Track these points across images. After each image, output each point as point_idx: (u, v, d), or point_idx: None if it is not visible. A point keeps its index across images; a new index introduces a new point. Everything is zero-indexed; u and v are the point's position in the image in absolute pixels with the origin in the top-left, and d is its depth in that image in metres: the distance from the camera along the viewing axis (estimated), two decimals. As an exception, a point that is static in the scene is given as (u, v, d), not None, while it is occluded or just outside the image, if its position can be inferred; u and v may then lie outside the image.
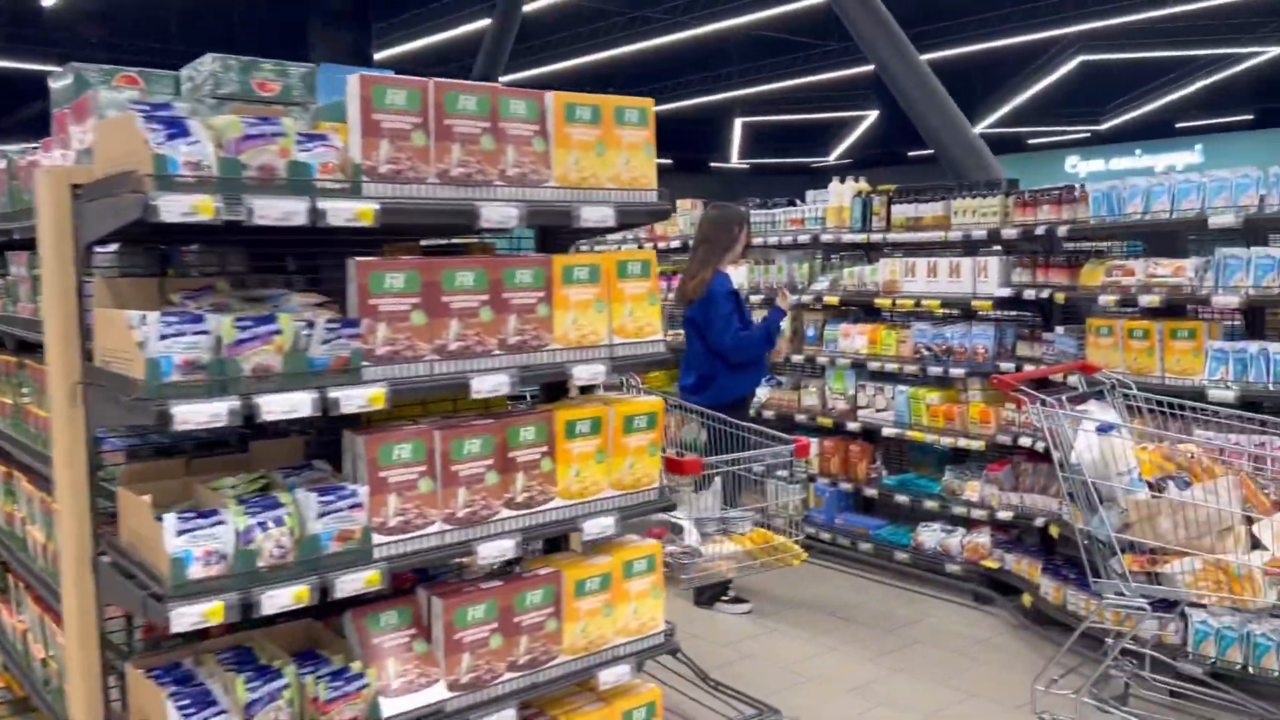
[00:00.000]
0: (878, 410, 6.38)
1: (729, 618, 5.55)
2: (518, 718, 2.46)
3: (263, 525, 2.13)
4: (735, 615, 5.57)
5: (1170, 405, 4.16)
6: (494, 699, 2.46)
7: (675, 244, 7.87)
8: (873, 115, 24.59)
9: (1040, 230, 5.43)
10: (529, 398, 3.27)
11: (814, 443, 6.74)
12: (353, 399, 2.16)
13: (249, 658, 2.37)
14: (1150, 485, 3.65)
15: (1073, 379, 4.65)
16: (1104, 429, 3.66)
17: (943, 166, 8.18)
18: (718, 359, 5.41)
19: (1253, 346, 4.25)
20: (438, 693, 2.39)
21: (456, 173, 2.33)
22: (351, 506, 2.22)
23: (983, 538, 5.77)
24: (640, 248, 8.26)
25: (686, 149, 28.75)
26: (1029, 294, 5.47)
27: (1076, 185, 5.34)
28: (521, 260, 2.47)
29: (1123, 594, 3.65)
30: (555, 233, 2.93)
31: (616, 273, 2.65)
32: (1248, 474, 3.70)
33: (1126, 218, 4.78)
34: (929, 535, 6.03)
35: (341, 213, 2.13)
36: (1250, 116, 22.06)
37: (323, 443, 2.60)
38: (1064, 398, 3.97)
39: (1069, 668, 4.41)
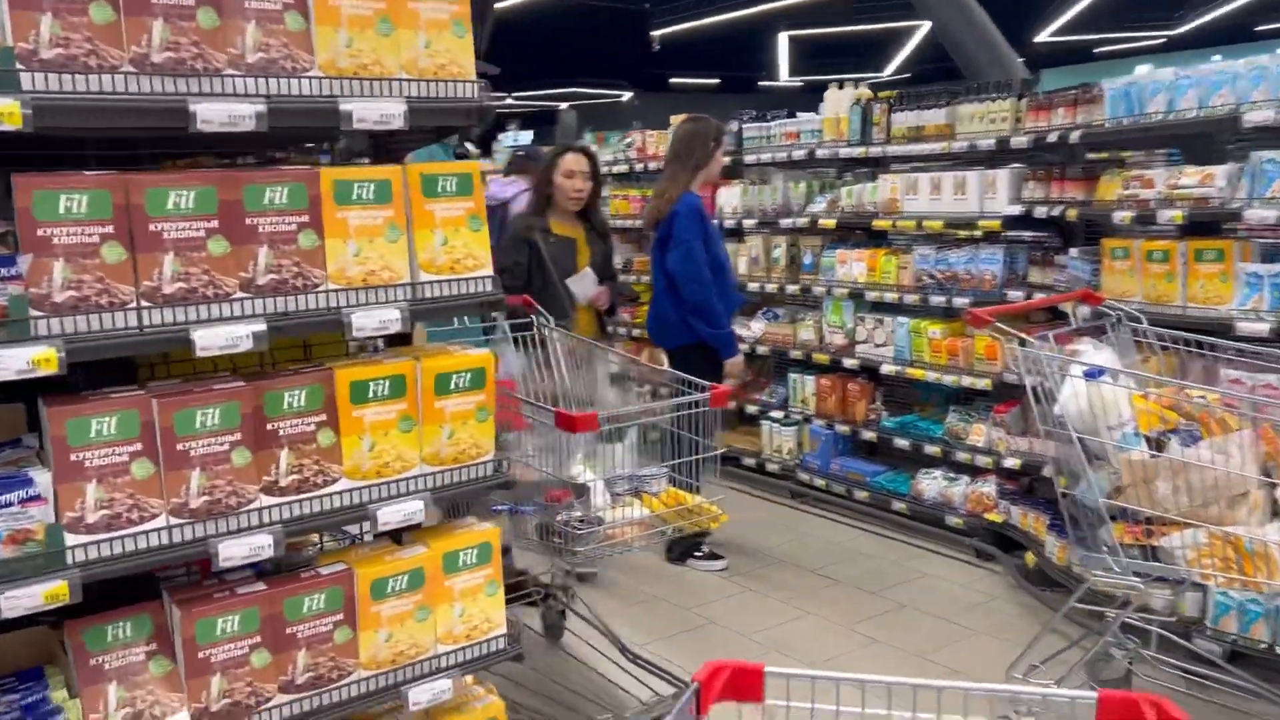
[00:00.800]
0: (877, 345, 5.74)
1: (701, 575, 5.03)
2: (289, 752, 1.97)
3: (-103, 528, 1.65)
4: (708, 572, 5.05)
5: (1189, 341, 3.48)
6: (259, 729, 1.97)
7: (668, 164, 7.21)
8: (926, 25, 23.21)
9: (1052, 137, 4.69)
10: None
11: (810, 381, 6.14)
12: (8, 363, 1.64)
13: (-54, 681, 1.91)
14: (1149, 441, 3.01)
15: (1083, 311, 3.98)
16: (1092, 374, 3.01)
17: (960, 69, 7.34)
18: (678, 293, 4.81)
19: (1292, 269, 3.54)
20: (177, 725, 1.90)
21: (161, 59, 1.76)
22: (26, 500, 1.72)
23: (988, 487, 5.15)
24: (632, 170, 7.61)
25: (733, 68, 27.55)
26: (1041, 211, 4.76)
27: (1096, 84, 4.57)
28: (271, 174, 1.90)
29: (1112, 570, 3.04)
30: (385, 142, 2.36)
31: (421, 189, 2.08)
32: (1274, 427, 3.03)
33: (1147, 118, 4.03)
34: (930, 484, 5.42)
35: (-31, 113, 1.59)
36: (1339, 15, 20.27)
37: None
38: (1053, 335, 3.32)
39: (1071, 640, 3.83)
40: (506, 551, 4.17)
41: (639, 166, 7.44)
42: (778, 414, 6.30)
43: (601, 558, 3.39)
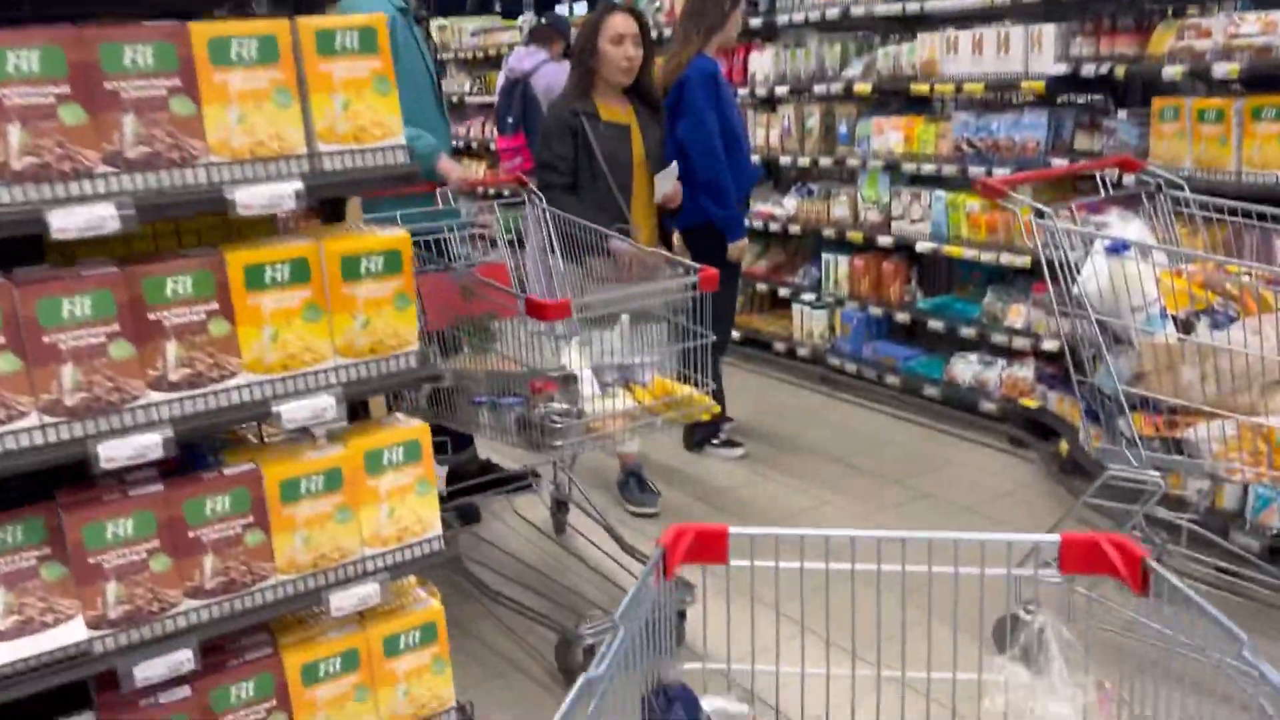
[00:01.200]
0: (913, 221, 5.40)
1: (718, 463, 4.88)
2: (196, 658, 1.86)
3: None
4: (727, 460, 4.89)
5: (1237, 211, 3.12)
6: (165, 636, 1.86)
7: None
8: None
9: (1103, -16, 4.23)
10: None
11: (843, 261, 5.83)
12: None
13: None
14: (1176, 322, 2.71)
15: (1128, 179, 3.61)
16: (1115, 248, 2.70)
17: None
18: (688, 167, 4.49)
19: (1360, 126, 3.13)
20: (72, 633, 1.80)
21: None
22: (-128, 399, 1.58)
23: (1025, 371, 4.87)
24: (661, 37, 7.16)
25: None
26: (1089, 70, 4.33)
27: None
28: (131, 31, 1.68)
29: (1130, 463, 2.78)
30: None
31: (316, 47, 1.84)
32: (1323, 305, 2.70)
33: (1204, -45, 3.57)
34: (964, 368, 5.14)
35: None
36: None
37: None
38: (1076, 205, 3.00)
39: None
40: (469, 443, 4.04)
41: (668, 31, 7.01)
42: (809, 296, 6.02)
43: (582, 452, 3.22)
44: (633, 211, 4.10)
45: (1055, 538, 1.38)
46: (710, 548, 1.43)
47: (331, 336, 1.94)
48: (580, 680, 1.12)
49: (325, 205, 2.33)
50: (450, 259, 3.79)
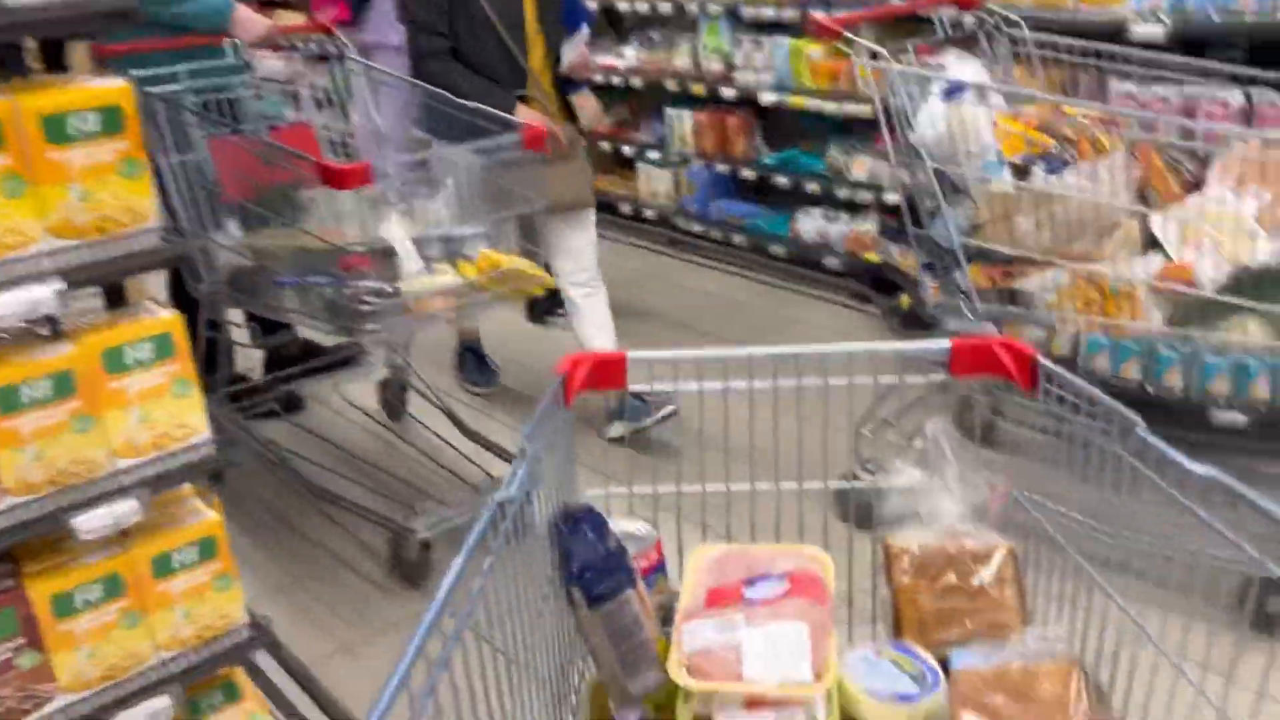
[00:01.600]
0: (756, 71, 5.16)
1: (560, 334, 4.67)
2: (-91, 604, 1.58)
3: None
4: (568, 331, 4.69)
5: (1074, 49, 3.00)
6: None
7: None
8: None
9: None
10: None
11: (687, 116, 5.57)
12: None
13: None
14: (1013, 168, 2.59)
15: (967, 19, 3.45)
16: (952, 91, 2.54)
17: None
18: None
19: (1197, -41, 3.03)
20: None
21: None
22: None
23: (868, 225, 4.78)
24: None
25: None
26: (930, -99, 4.10)
27: None
28: None
29: (967, 318, 2.70)
30: None
31: None
32: (1157, 147, 2.61)
33: None
34: (809, 224, 5.03)
35: None
36: None
37: None
38: (913, 46, 2.82)
39: (932, 389, 3.58)
40: (286, 327, 3.73)
41: None
42: (654, 155, 5.77)
43: (403, 335, 2.96)
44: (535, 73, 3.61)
45: (946, 343, 1.40)
46: (608, 375, 1.45)
47: (41, 214, 1.61)
48: (491, 502, 1.12)
49: (44, 54, 1.95)
50: (241, 120, 3.39)
